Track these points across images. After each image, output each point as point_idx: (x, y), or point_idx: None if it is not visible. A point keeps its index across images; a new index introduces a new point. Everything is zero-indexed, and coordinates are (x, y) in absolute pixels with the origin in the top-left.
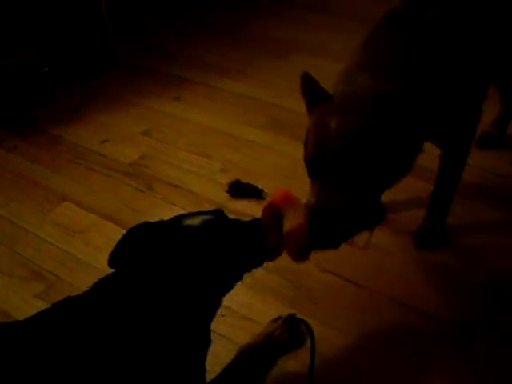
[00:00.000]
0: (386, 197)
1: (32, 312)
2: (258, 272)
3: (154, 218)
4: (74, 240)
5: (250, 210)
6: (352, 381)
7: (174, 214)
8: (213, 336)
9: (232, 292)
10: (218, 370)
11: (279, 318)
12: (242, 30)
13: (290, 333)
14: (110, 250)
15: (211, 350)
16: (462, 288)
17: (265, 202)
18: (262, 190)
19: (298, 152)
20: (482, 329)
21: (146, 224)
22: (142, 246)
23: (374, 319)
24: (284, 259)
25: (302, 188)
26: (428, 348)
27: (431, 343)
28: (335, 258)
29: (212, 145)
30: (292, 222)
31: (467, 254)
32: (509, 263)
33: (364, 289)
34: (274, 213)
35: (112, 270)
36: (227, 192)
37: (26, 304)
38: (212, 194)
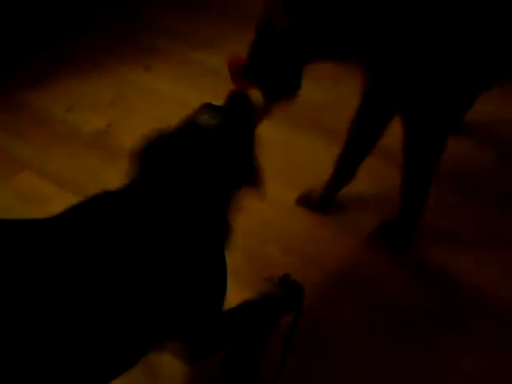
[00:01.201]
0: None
1: None
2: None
3: None
4: (34, 209)
5: None
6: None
7: None
8: None
9: None
10: None
11: (272, 277)
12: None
13: (286, 292)
14: None
15: None
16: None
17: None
18: None
19: None
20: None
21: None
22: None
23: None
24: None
25: None
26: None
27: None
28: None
29: (179, 117)
30: None
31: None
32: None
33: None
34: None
35: None
36: None
37: None
38: None
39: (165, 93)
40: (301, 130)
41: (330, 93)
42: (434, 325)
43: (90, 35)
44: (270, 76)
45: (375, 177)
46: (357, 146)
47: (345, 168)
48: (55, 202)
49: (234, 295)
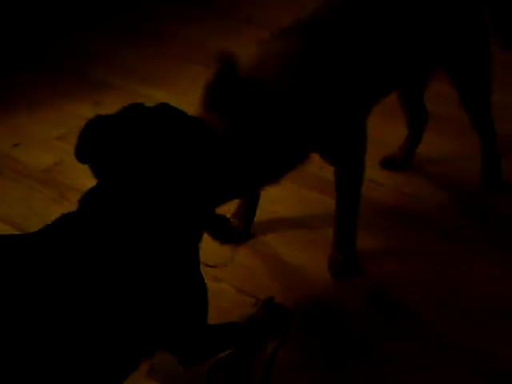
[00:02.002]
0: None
1: None
2: None
3: None
4: None
5: None
6: None
7: None
8: None
9: None
10: None
11: (257, 301)
12: (172, 36)
13: (271, 315)
14: None
15: None
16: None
17: None
18: None
19: None
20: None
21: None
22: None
23: None
24: None
25: None
26: None
27: None
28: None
29: None
30: None
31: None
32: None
33: None
34: None
35: None
36: None
37: None
38: None
39: None
40: None
41: None
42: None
43: (37, 71)
44: None
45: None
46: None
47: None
48: None
49: None
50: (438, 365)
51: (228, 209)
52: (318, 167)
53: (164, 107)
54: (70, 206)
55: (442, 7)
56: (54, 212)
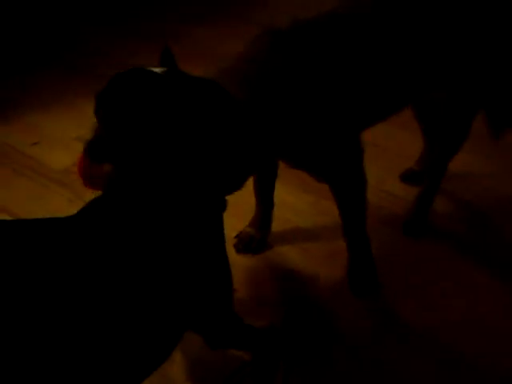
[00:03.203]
0: None
1: None
2: None
3: None
4: None
5: None
6: None
7: None
8: None
9: None
10: None
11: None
12: (187, 38)
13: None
14: None
15: None
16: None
17: None
18: None
19: None
20: None
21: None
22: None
23: None
24: None
25: None
26: None
27: None
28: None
29: None
30: None
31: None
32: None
33: None
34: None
35: None
36: None
37: None
38: None
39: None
40: None
41: None
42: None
43: (56, 70)
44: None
45: None
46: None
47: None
48: None
49: None
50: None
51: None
52: None
53: (174, 73)
54: None
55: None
56: (69, 213)
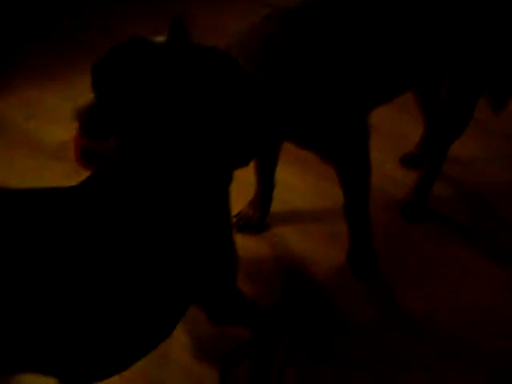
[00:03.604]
0: None
1: None
2: None
3: None
4: None
5: None
6: None
7: None
8: None
9: None
10: None
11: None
12: (192, 18)
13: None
14: None
15: None
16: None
17: None
18: None
19: None
20: None
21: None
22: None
23: None
24: None
25: None
26: None
27: None
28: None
29: None
30: None
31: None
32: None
33: None
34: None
35: None
36: None
37: None
38: None
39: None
40: None
41: None
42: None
43: (52, 42)
44: None
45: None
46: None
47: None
48: None
49: None
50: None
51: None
52: None
53: (177, 42)
54: None
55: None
56: None
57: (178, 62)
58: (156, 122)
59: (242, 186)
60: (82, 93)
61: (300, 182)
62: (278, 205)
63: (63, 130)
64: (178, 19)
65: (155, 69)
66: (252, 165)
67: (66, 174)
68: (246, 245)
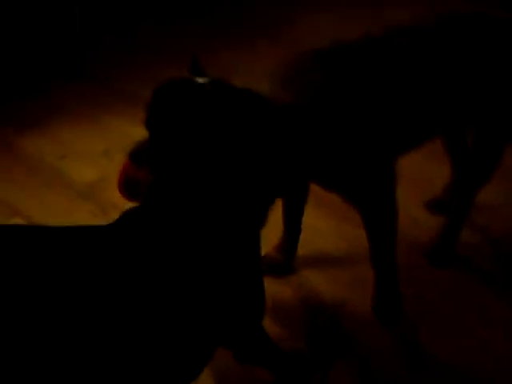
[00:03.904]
0: None
1: None
2: None
3: None
4: None
5: None
6: None
7: None
8: None
9: None
10: None
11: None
12: (213, 56)
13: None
14: None
15: None
16: None
17: None
18: None
19: None
20: None
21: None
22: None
23: None
24: None
25: None
26: None
27: None
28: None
29: None
30: None
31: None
32: None
33: None
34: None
35: None
36: None
37: None
38: None
39: None
40: None
41: None
42: None
43: (83, 83)
44: None
45: None
46: None
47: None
48: None
49: None
50: None
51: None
52: None
53: (220, 86)
54: (110, 221)
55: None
56: None
57: (220, 106)
58: (193, 164)
59: (270, 228)
60: (112, 134)
61: (324, 226)
62: (303, 247)
63: (93, 170)
64: (194, 61)
65: (199, 111)
66: (280, 208)
67: (94, 213)
68: (270, 287)
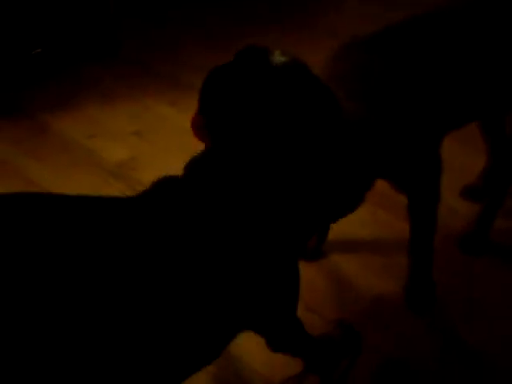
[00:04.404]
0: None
1: None
2: None
3: None
4: None
5: None
6: None
7: None
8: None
9: None
10: None
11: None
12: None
13: (344, 337)
14: None
15: None
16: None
17: None
18: None
19: None
20: None
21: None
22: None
23: None
24: None
25: None
26: None
27: None
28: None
29: None
30: None
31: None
32: None
33: None
34: None
35: None
36: None
37: None
38: None
39: (190, 129)
40: None
41: None
42: None
43: (114, 64)
44: None
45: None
46: None
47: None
48: None
49: None
50: None
51: None
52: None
53: (296, 66)
54: None
55: None
56: None
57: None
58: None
59: None
60: (142, 113)
61: (359, 211)
62: (333, 232)
63: (123, 150)
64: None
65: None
66: None
67: (123, 192)
68: (300, 272)
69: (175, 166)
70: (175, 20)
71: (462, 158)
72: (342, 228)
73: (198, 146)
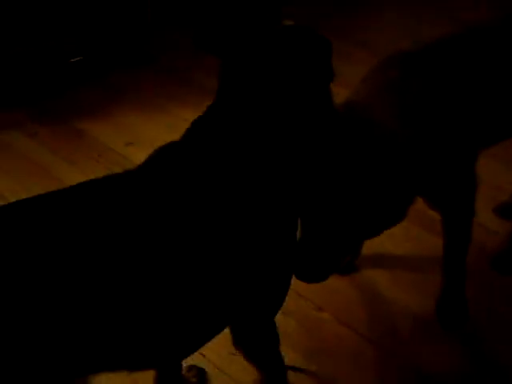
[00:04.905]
0: None
1: None
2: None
3: None
4: None
5: None
6: None
7: None
8: (220, 375)
9: None
10: None
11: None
12: None
13: None
14: None
15: None
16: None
17: None
18: None
19: None
20: None
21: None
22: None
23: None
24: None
25: None
26: None
27: None
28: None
29: None
30: None
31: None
32: None
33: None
34: None
35: None
36: None
37: None
38: None
39: None
40: None
41: None
42: None
43: (153, 72)
44: None
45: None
46: None
47: None
48: None
49: None
50: None
51: None
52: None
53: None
54: None
55: None
56: None
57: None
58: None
59: None
60: (179, 123)
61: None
62: (369, 247)
63: None
64: None
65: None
66: None
67: None
68: (333, 285)
69: None
70: None
71: (496, 175)
72: (377, 243)
73: None
